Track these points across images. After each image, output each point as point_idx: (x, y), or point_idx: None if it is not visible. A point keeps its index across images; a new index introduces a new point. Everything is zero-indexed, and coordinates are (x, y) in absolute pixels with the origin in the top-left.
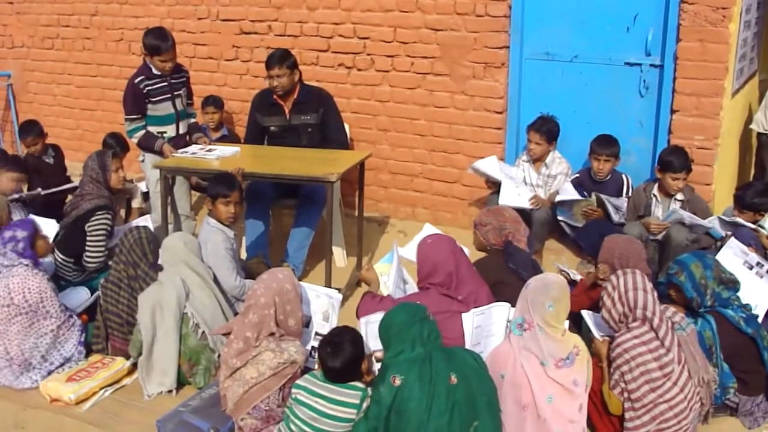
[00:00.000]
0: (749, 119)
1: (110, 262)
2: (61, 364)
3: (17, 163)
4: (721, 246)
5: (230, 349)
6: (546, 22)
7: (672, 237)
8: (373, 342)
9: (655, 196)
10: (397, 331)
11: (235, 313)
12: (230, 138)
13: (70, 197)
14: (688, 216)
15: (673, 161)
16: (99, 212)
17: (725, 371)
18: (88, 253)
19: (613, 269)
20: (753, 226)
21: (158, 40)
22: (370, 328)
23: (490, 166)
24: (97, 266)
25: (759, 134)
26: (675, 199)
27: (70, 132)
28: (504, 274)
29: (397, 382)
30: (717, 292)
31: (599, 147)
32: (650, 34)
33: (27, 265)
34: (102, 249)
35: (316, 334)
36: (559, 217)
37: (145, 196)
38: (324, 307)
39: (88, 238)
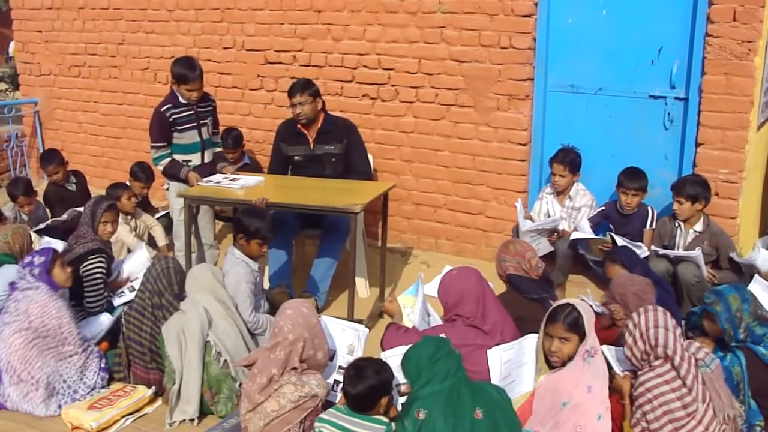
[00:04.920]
0: None
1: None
2: (86, 394)
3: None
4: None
5: (254, 383)
6: (570, 55)
7: (680, 275)
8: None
9: (679, 225)
10: (423, 364)
11: (257, 344)
12: (252, 167)
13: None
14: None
15: (678, 183)
16: (91, 257)
17: (753, 408)
18: (87, 298)
19: (626, 309)
20: None
21: (186, 69)
22: (391, 363)
23: (520, 215)
24: (99, 309)
25: None
26: (693, 230)
27: (95, 159)
28: (521, 307)
29: (421, 415)
30: (751, 327)
31: (627, 181)
32: (675, 67)
33: (46, 290)
34: (100, 292)
35: (340, 367)
36: (581, 251)
37: (167, 230)
38: (349, 340)
39: (84, 284)
